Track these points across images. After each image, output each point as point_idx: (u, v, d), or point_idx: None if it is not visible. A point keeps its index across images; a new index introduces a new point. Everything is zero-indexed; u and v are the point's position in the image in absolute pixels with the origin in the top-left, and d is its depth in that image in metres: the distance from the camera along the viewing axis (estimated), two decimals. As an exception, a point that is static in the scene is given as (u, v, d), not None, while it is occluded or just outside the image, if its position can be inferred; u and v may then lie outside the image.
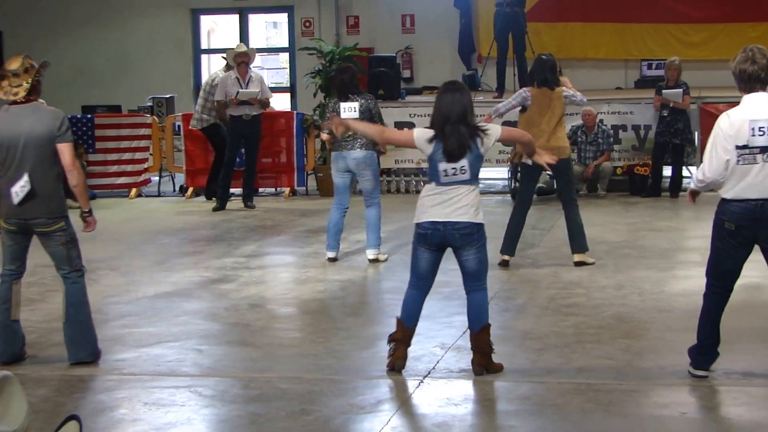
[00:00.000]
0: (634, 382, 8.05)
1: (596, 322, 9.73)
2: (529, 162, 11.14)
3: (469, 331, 8.43)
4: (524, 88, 12.73)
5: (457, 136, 8.05)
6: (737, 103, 7.75)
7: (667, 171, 17.55)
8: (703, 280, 11.30)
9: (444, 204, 8.08)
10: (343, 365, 8.76)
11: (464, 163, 8.06)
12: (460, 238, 8.06)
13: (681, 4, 21.29)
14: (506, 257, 12.14)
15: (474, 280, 8.25)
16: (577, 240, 12.22)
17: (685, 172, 17.57)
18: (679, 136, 17.21)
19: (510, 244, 12.21)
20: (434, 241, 8.14)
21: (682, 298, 10.55)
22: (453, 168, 8.06)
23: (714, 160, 7.70)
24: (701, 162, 18.88)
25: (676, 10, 21.35)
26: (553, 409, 7.54)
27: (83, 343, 8.97)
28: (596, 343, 9.04)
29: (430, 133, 8.17)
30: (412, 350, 8.79)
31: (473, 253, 8.15)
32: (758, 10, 20.86)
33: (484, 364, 8.26)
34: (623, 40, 21.82)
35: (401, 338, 8.38)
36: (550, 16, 21.38)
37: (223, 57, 18.23)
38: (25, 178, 8.53)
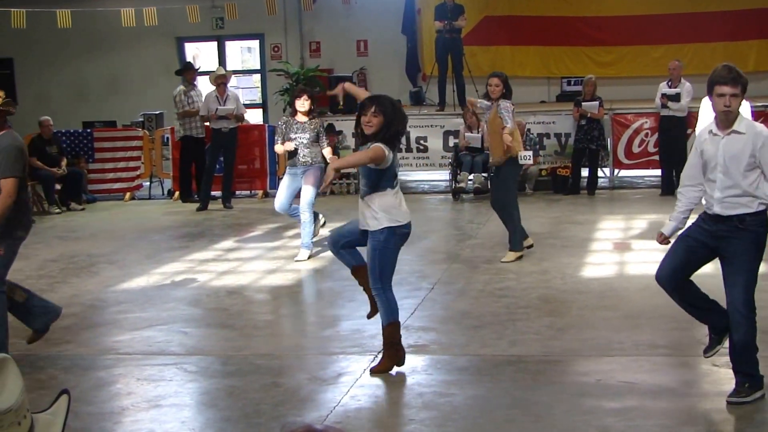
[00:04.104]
0: (557, 354, 8.07)
1: (525, 302, 9.74)
2: None
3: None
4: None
5: None
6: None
7: (585, 172, 17.60)
8: (614, 267, 11.40)
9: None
10: (308, 343, 8.74)
11: None
12: None
13: (594, 30, 21.36)
14: None
15: None
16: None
17: (599, 173, 17.68)
18: (594, 142, 17.25)
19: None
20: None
21: (596, 281, 10.60)
22: None
23: None
24: (613, 164, 18.80)
25: (590, 35, 21.43)
26: (488, 378, 7.55)
27: None
28: (525, 320, 9.05)
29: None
30: (368, 329, 8.74)
31: None
32: (658, 33, 20.93)
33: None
34: (546, 60, 21.86)
35: None
36: (483, 40, 21.38)
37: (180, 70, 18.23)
38: None
